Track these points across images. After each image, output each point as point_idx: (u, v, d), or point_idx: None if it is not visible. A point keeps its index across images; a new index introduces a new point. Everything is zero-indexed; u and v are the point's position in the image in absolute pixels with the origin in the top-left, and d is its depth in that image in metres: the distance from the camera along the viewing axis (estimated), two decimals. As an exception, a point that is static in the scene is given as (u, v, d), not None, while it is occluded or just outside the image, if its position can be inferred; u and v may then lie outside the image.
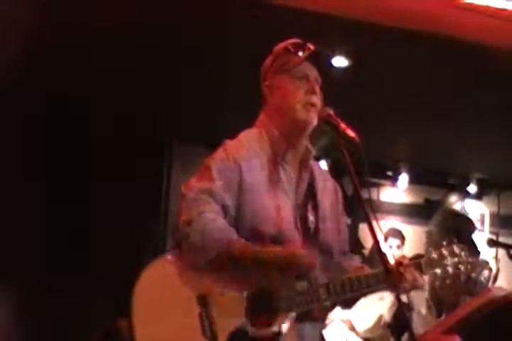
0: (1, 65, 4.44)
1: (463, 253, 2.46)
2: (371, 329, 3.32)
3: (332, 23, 3.87)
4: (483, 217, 7.18)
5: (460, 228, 3.69)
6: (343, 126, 2.22)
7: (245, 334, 2.21)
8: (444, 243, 2.47)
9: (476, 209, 7.15)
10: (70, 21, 4.05)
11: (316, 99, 2.41)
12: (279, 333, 2.25)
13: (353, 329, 3.34)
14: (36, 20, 3.99)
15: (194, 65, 4.59)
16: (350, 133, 2.19)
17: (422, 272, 2.39)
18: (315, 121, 2.41)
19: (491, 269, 6.44)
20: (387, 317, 3.28)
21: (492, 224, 7.24)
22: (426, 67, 4.47)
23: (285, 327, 2.25)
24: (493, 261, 6.61)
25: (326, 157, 6.29)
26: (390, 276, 2.09)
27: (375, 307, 3.33)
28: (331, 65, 2.49)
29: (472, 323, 2.64)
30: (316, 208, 2.45)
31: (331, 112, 2.28)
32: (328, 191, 2.53)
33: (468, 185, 7.12)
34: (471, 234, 3.77)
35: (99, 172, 5.55)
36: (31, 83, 4.83)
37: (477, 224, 6.47)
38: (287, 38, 2.53)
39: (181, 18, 4.03)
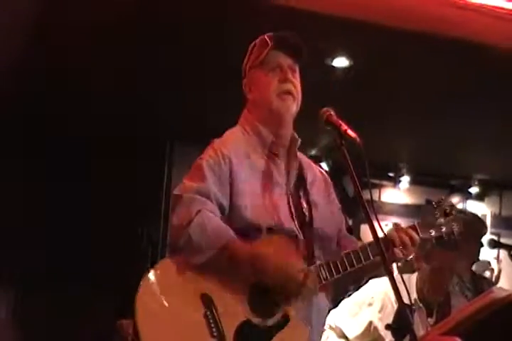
0: (1, 65, 4.43)
1: (454, 212, 2.48)
2: (361, 336, 3.31)
3: (333, 22, 3.86)
4: (484, 217, 7.17)
5: (481, 231, 3.69)
6: (344, 126, 2.20)
7: (252, 326, 2.22)
8: (434, 203, 2.50)
9: (478, 210, 7.14)
10: (70, 21, 4.04)
11: (291, 86, 2.41)
12: (286, 319, 2.25)
13: (342, 336, 3.33)
14: (36, 20, 3.98)
15: (194, 65, 4.58)
16: (352, 133, 2.17)
17: (418, 235, 2.41)
18: (293, 108, 2.43)
19: (492, 270, 6.44)
20: (377, 321, 3.26)
21: (494, 225, 7.23)
22: (428, 67, 4.45)
23: (291, 312, 2.25)
24: (495, 261, 6.61)
25: (328, 157, 6.29)
26: (382, 245, 2.10)
27: (364, 313, 3.32)
28: (302, 48, 2.47)
29: (473, 324, 2.62)
30: (307, 195, 2.46)
31: (332, 112, 2.27)
32: (317, 177, 2.55)
33: (470, 186, 7.11)
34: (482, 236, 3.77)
35: (99, 173, 5.54)
36: (31, 83, 4.82)
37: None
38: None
39: (181, 18, 4.02)
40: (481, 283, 3.79)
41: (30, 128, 5.34)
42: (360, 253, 2.32)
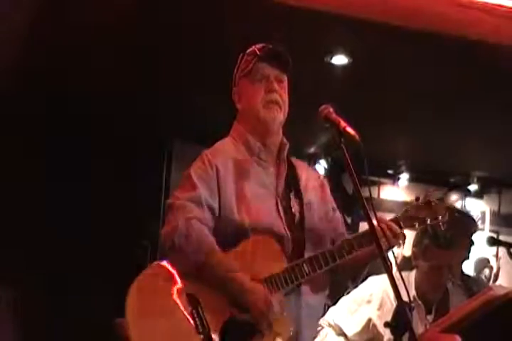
0: (1, 65, 4.43)
1: (440, 203, 2.51)
2: (360, 333, 3.32)
3: (333, 20, 3.86)
4: (483, 215, 7.18)
5: (471, 229, 3.69)
6: (343, 123, 2.22)
7: (237, 322, 2.28)
8: (420, 196, 2.50)
9: (477, 208, 7.15)
10: (69, 21, 4.05)
11: (277, 96, 2.49)
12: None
13: (341, 334, 3.34)
14: (36, 20, 3.99)
15: (194, 65, 4.59)
16: (351, 130, 2.19)
17: (400, 227, 2.44)
18: (279, 118, 2.50)
19: (491, 267, 6.46)
20: (376, 318, 3.27)
21: (493, 222, 7.24)
22: (427, 65, 4.46)
23: (276, 308, 2.29)
24: (494, 259, 6.62)
25: (327, 155, 6.30)
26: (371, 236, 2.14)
27: (363, 310, 3.32)
28: (289, 60, 2.56)
29: (473, 322, 2.64)
30: (299, 197, 2.53)
31: (331, 110, 2.28)
32: (311, 180, 2.61)
33: (469, 183, 7.12)
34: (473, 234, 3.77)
35: (99, 173, 5.55)
36: (31, 83, 4.82)
37: (478, 223, 6.48)
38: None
39: (181, 18, 4.03)
40: (469, 282, 3.79)
41: (30, 128, 5.34)
42: (345, 248, 2.39)
